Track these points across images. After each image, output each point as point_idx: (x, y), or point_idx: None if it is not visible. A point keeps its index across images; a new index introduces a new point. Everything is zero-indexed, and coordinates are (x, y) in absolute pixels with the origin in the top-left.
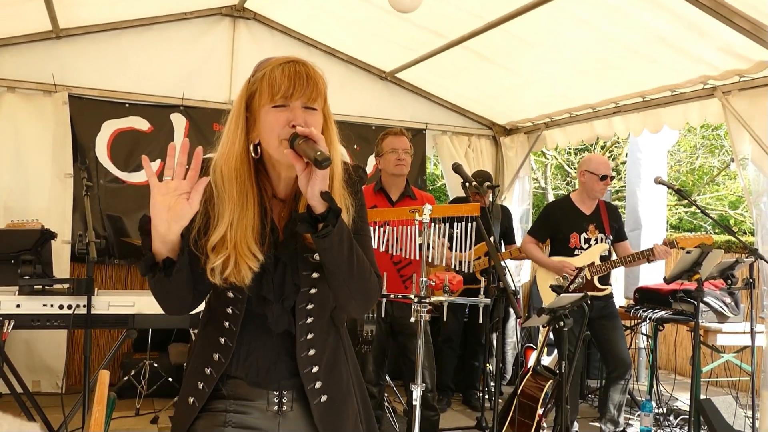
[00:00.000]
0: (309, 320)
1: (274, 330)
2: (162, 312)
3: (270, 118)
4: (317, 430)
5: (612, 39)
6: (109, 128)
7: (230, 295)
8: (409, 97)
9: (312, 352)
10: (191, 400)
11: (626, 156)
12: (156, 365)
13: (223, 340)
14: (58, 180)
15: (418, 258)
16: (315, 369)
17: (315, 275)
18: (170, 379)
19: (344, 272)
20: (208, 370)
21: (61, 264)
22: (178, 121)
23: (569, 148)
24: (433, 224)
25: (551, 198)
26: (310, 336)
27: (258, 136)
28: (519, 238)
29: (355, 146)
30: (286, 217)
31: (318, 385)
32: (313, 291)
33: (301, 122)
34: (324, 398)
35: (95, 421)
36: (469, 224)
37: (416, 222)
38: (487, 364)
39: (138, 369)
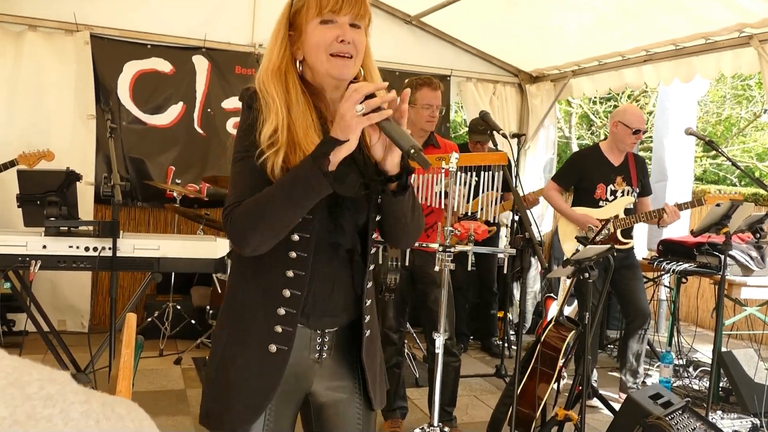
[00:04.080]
0: (373, 250)
1: (343, 246)
2: (185, 256)
3: (318, 33)
4: (344, 377)
5: None
6: (131, 69)
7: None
8: (434, 42)
9: (369, 284)
10: (274, 348)
11: (654, 106)
12: (179, 307)
13: (292, 273)
14: (81, 121)
15: (440, 207)
16: (368, 302)
17: (379, 200)
18: (193, 321)
19: (407, 220)
20: (282, 311)
21: (85, 205)
22: (201, 64)
23: (595, 98)
24: (458, 173)
25: (575, 147)
26: (372, 267)
27: (303, 52)
28: (538, 186)
29: None
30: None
31: (367, 319)
32: (378, 218)
33: (350, 39)
34: (368, 333)
35: (124, 364)
36: (496, 173)
37: (442, 170)
38: (507, 313)
39: (161, 311)
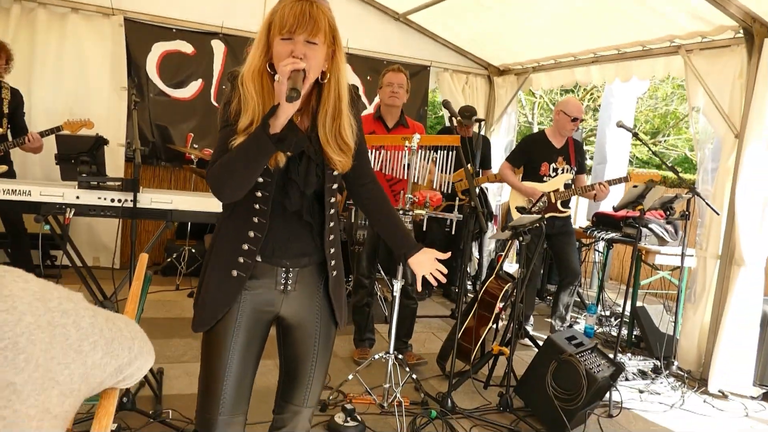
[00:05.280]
0: (332, 211)
1: (289, 209)
2: (193, 209)
3: (278, 48)
4: (311, 309)
5: None
6: (158, 49)
7: (260, 180)
8: (418, 37)
9: (331, 237)
10: (235, 273)
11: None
12: (193, 251)
13: (256, 219)
14: (115, 92)
15: (405, 177)
16: (332, 250)
17: (336, 173)
18: None
19: None
20: (245, 246)
21: (117, 161)
22: (218, 47)
23: (556, 91)
24: (420, 150)
25: (536, 130)
26: (331, 224)
27: (272, 58)
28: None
29: (368, 77)
30: (305, 122)
31: (333, 263)
32: (335, 186)
33: (300, 54)
34: (334, 273)
35: (133, 293)
36: (450, 153)
37: (406, 148)
38: (460, 265)
39: (179, 253)
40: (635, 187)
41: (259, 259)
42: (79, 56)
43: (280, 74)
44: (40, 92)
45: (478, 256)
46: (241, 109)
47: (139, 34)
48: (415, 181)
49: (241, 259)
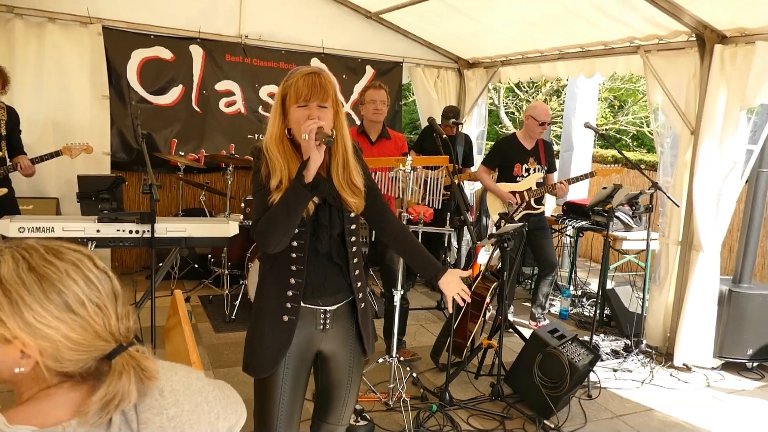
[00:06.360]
0: (354, 249)
1: (321, 251)
2: (204, 236)
3: (296, 114)
4: (346, 342)
5: (558, 3)
6: (137, 56)
7: (295, 230)
8: (390, 34)
9: (357, 272)
10: (286, 318)
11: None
12: (185, 254)
13: (294, 267)
14: (97, 101)
15: (395, 195)
16: (359, 284)
17: (353, 215)
18: (196, 266)
19: None
20: (290, 293)
21: (102, 170)
22: (196, 52)
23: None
24: (412, 171)
25: (503, 114)
26: (355, 260)
27: (289, 124)
28: (476, 156)
29: (344, 76)
30: (322, 174)
31: (360, 295)
32: (353, 227)
33: (315, 117)
34: (363, 305)
35: (188, 337)
36: (439, 171)
37: (399, 170)
38: (446, 257)
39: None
40: (604, 188)
41: (302, 302)
42: (58, 66)
43: (307, 133)
44: (21, 103)
45: (456, 246)
46: (270, 172)
47: (118, 41)
48: (408, 198)
49: (288, 305)
